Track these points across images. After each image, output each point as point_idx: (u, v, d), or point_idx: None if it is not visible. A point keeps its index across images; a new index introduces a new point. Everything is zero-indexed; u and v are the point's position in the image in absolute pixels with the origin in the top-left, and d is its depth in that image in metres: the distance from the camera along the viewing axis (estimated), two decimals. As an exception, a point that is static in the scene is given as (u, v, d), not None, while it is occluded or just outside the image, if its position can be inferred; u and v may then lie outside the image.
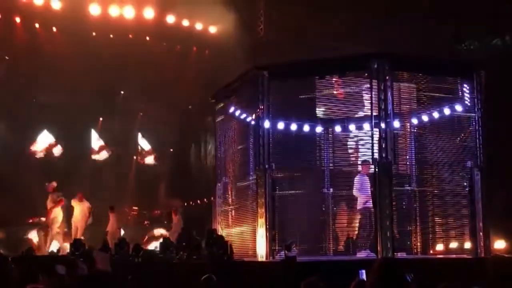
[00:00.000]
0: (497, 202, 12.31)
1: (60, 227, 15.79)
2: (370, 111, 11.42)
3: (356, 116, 12.82)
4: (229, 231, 13.43)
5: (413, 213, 12.43)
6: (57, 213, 15.79)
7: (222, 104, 13.96)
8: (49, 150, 22.07)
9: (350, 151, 13.20)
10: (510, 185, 13.56)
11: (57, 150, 22.11)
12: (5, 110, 20.84)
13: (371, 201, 11.52)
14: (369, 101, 11.47)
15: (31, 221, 18.23)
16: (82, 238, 15.67)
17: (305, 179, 12.74)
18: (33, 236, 17.02)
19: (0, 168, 19.36)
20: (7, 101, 20.80)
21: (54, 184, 15.69)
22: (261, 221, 11.50)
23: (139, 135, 24.24)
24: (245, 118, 13.04)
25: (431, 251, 11.99)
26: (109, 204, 17.88)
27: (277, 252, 11.44)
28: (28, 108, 21.33)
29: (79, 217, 16.42)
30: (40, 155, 21.95)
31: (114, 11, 20.23)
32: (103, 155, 22.77)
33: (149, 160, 24.30)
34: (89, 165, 22.04)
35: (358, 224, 12.83)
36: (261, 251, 11.42)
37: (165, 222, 18.83)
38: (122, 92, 22.40)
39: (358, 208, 12.13)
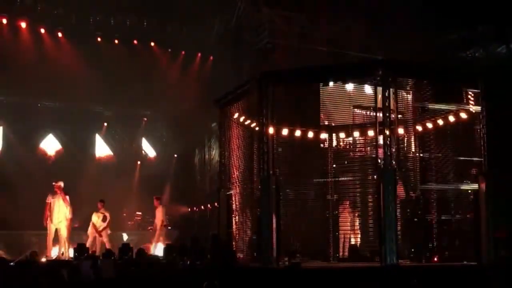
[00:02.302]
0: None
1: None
2: (374, 118, 11.41)
3: (361, 123, 12.82)
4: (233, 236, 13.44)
5: (417, 220, 12.38)
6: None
7: (226, 110, 13.98)
8: (54, 155, 22.16)
9: (354, 157, 13.18)
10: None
11: (62, 155, 22.21)
12: (10, 115, 20.93)
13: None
14: (374, 108, 11.47)
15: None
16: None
17: (309, 186, 12.73)
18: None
19: (5, 172, 19.42)
20: (13, 106, 20.90)
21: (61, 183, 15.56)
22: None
23: (143, 140, 24.30)
24: (249, 124, 13.05)
25: (435, 259, 11.96)
26: (114, 209, 17.80)
27: (282, 258, 11.43)
28: (33, 113, 21.41)
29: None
30: (44, 158, 22.03)
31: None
32: None
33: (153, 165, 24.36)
34: (93, 170, 22.09)
35: (360, 231, 12.88)
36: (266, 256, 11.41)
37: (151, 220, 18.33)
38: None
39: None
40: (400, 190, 11.98)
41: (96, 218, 16.46)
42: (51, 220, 15.11)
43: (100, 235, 16.29)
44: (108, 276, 10.45)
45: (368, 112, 12.29)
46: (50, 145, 22.46)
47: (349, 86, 12.34)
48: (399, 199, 11.78)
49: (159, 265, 12.52)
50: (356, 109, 12.49)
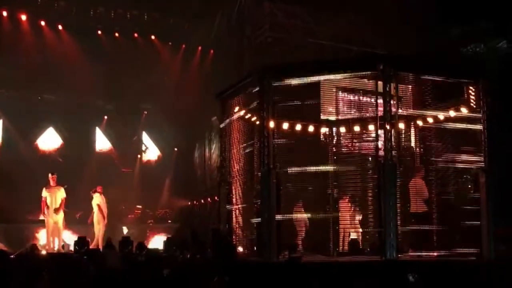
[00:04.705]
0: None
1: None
2: (375, 112, 11.40)
3: (361, 117, 12.81)
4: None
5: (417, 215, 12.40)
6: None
7: (226, 104, 13.97)
8: (54, 148, 22.19)
9: (354, 152, 13.17)
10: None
11: (62, 148, 22.24)
12: (11, 108, 20.92)
13: (424, 205, 11.90)
14: (374, 103, 11.45)
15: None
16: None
17: (310, 180, 12.73)
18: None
19: (5, 165, 19.43)
20: (13, 99, 20.89)
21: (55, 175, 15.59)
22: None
23: (144, 134, 24.31)
24: (250, 118, 13.05)
25: (435, 253, 11.98)
26: (114, 203, 17.80)
27: (282, 253, 11.45)
28: (34, 106, 21.41)
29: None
30: (45, 152, 22.06)
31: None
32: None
33: (153, 159, 24.40)
34: (93, 164, 22.11)
35: (355, 227, 12.93)
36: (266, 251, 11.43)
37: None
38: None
39: (411, 211, 12.14)
40: (424, 186, 12.10)
41: (100, 200, 16.37)
42: (48, 213, 15.13)
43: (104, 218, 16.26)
44: (114, 265, 10.40)
45: (369, 106, 12.22)
46: (50, 138, 22.47)
47: (351, 81, 12.31)
48: (423, 198, 11.99)
49: (159, 258, 12.54)
50: (357, 103, 12.46)
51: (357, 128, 12.99)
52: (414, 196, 12.07)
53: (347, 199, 12.94)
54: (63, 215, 15.37)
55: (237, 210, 13.39)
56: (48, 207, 15.10)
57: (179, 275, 9.78)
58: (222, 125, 14.35)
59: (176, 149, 24.34)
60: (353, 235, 12.99)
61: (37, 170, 19.51)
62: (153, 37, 21.37)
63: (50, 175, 15.48)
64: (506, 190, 12.71)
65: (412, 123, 13.01)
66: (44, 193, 15.20)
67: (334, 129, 13.46)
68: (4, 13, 19.32)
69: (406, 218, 11.79)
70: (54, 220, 15.17)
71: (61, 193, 15.36)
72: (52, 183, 15.33)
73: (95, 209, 16.31)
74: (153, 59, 21.13)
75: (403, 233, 11.61)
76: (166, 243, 14.50)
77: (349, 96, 12.70)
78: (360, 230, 12.95)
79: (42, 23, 20.07)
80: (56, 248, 15.11)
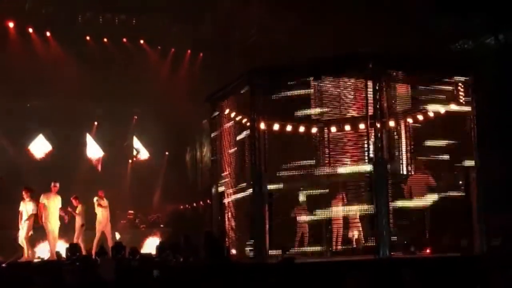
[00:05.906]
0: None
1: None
2: (365, 110, 11.40)
3: (352, 116, 12.81)
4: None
5: (408, 212, 12.40)
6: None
7: (217, 106, 13.94)
8: (45, 155, 22.09)
9: (346, 151, 13.17)
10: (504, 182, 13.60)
11: (52, 155, 22.13)
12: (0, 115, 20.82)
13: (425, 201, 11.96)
14: (365, 101, 11.45)
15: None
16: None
17: (301, 180, 12.71)
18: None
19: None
20: (1, 106, 20.78)
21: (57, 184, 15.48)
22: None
23: (134, 138, 24.24)
24: (240, 120, 13.02)
25: (428, 250, 11.99)
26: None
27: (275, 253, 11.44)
28: (23, 113, 21.30)
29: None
30: (35, 158, 21.98)
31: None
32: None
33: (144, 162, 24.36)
34: (84, 170, 22.02)
35: (355, 224, 12.91)
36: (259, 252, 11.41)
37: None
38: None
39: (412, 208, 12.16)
40: (429, 179, 12.11)
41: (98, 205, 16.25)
42: (48, 220, 15.00)
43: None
44: (107, 271, 10.28)
45: (359, 105, 12.23)
46: (41, 145, 22.36)
47: (341, 79, 12.33)
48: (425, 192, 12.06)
49: (153, 263, 12.48)
50: (347, 102, 12.45)
51: (347, 127, 13.01)
52: (414, 192, 12.09)
53: (339, 198, 12.92)
54: (59, 223, 15.27)
55: (229, 213, 13.36)
56: (46, 214, 15.00)
57: (173, 279, 9.73)
58: (212, 128, 14.32)
59: (167, 152, 24.29)
60: (347, 234, 12.98)
61: (28, 177, 19.40)
62: (141, 41, 21.34)
63: (53, 183, 15.34)
64: (497, 183, 12.72)
65: (402, 120, 13.03)
66: (43, 199, 15.08)
67: (325, 128, 13.48)
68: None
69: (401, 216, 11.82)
70: (51, 228, 15.07)
71: (58, 202, 15.26)
72: (53, 191, 15.24)
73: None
74: (142, 63, 21.10)
75: (399, 230, 11.64)
76: (159, 247, 14.43)
77: (339, 95, 12.69)
78: (354, 229, 12.94)
79: (30, 30, 19.98)
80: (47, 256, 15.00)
